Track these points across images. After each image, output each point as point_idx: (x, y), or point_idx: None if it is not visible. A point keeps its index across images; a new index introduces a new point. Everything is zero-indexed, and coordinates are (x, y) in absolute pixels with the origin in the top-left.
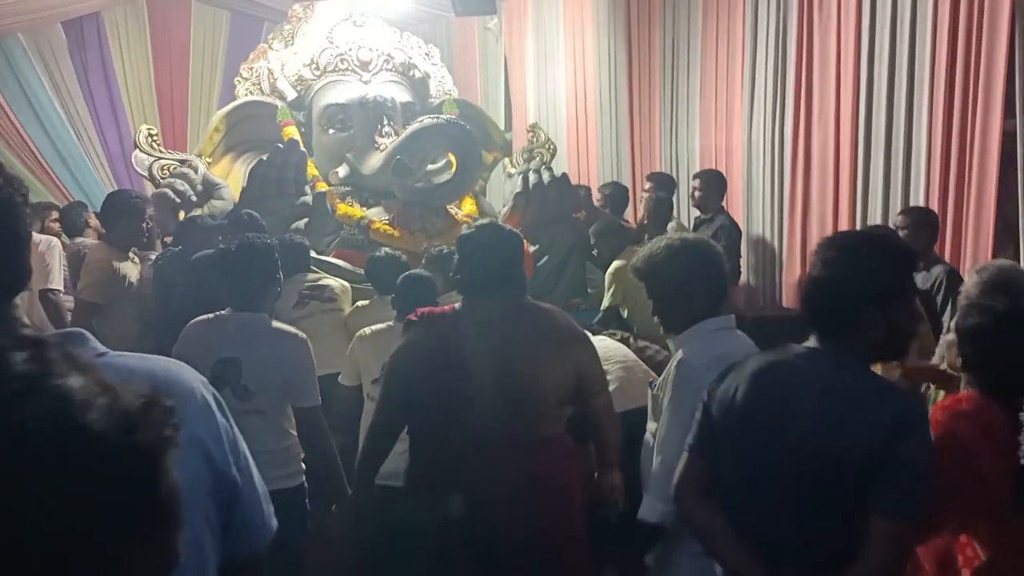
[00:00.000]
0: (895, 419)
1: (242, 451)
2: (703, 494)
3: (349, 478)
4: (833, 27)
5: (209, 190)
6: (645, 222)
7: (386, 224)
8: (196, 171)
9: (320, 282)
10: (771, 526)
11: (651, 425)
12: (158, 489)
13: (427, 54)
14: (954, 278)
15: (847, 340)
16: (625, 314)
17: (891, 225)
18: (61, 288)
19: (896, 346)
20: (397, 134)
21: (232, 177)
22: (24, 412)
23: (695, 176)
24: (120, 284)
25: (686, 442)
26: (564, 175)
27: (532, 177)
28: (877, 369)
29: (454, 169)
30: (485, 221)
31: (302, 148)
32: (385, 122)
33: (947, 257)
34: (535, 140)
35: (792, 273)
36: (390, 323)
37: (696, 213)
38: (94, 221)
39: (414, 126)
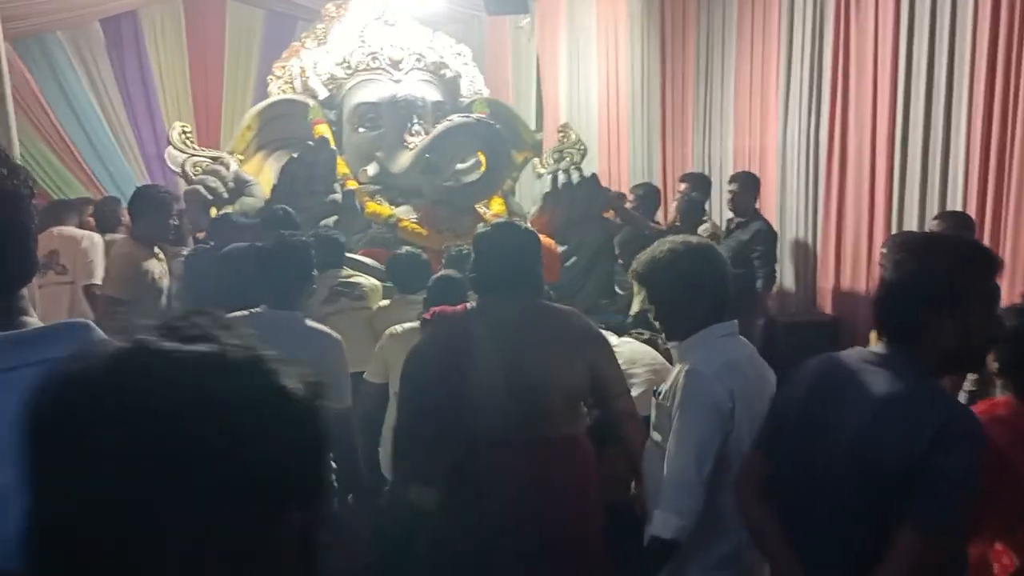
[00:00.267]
0: (937, 431)
1: None
2: (761, 492)
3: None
4: (870, 26)
5: (240, 187)
6: (677, 223)
7: (414, 222)
8: (228, 168)
9: (351, 279)
10: (812, 530)
11: (655, 435)
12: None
13: (458, 53)
14: None
15: (912, 346)
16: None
17: (926, 229)
18: None
19: (969, 355)
20: (427, 133)
21: (263, 174)
22: (242, 383)
23: (731, 179)
24: (144, 280)
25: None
26: (593, 175)
27: (561, 177)
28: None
29: (483, 168)
30: (502, 220)
31: (332, 146)
32: (415, 121)
33: None
34: (566, 140)
35: (826, 277)
36: (415, 324)
37: (729, 215)
38: (127, 217)
39: (443, 125)
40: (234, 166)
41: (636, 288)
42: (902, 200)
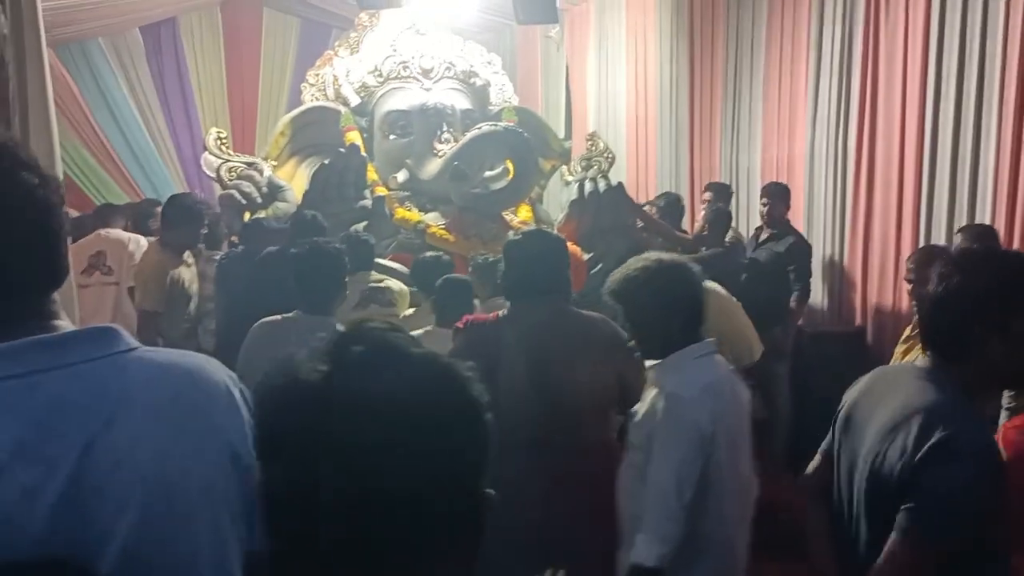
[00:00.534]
0: (937, 444)
1: None
2: (821, 492)
3: None
4: (900, 37)
5: (274, 192)
6: (704, 232)
7: (442, 229)
8: (262, 173)
9: (382, 284)
10: (842, 533)
11: (630, 455)
12: None
13: (488, 62)
14: None
15: (958, 362)
16: None
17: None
18: None
19: (1018, 372)
20: (456, 140)
21: (296, 180)
22: (442, 391)
23: (762, 192)
24: (176, 288)
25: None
26: (620, 184)
27: (588, 185)
28: None
29: (511, 176)
30: (533, 228)
31: (363, 153)
32: (444, 128)
33: None
34: (594, 148)
35: (853, 288)
36: (428, 328)
37: (752, 223)
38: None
39: (472, 133)
40: (268, 171)
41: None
42: (930, 211)
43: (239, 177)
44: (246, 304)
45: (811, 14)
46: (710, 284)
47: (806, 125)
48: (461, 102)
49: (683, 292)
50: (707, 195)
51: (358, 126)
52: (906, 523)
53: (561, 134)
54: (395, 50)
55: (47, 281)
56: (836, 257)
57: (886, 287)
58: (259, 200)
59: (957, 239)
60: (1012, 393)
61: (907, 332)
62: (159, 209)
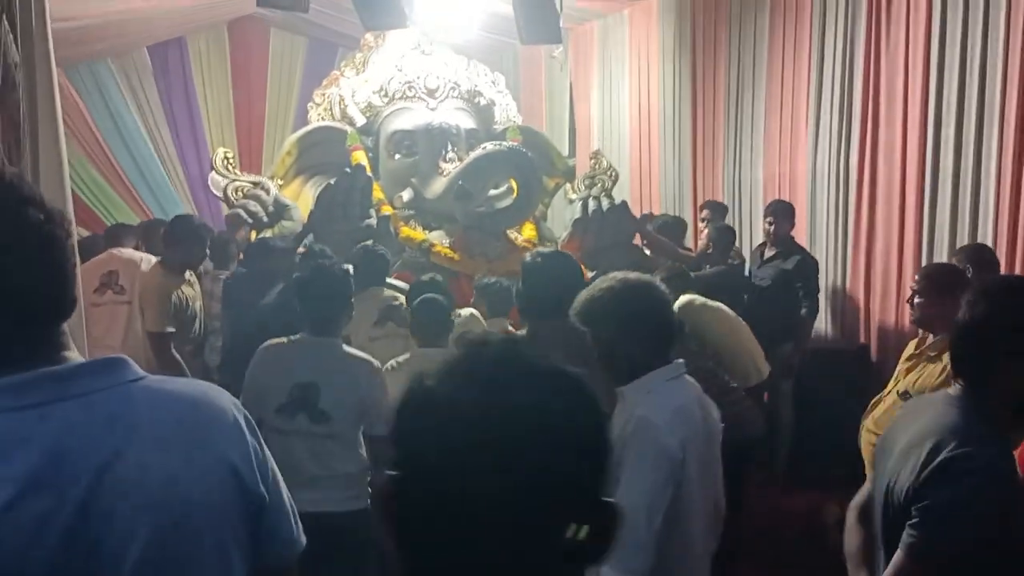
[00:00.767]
0: (941, 464)
1: (270, 469)
2: (862, 520)
3: None
4: (901, 56)
5: (280, 211)
6: (709, 251)
7: (447, 248)
8: (268, 193)
9: (397, 302)
10: (872, 561)
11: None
12: None
13: (493, 82)
14: None
15: (984, 388)
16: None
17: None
18: None
19: None
20: (461, 160)
21: (302, 199)
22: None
23: (767, 209)
24: (180, 307)
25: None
26: (623, 202)
27: (591, 204)
28: None
29: (515, 195)
30: (549, 249)
31: (368, 173)
32: (449, 148)
33: None
34: (597, 167)
35: (855, 305)
36: (407, 355)
37: (755, 240)
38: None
39: (477, 153)
40: (274, 191)
41: None
42: (932, 229)
43: (246, 196)
44: (252, 323)
45: (813, 32)
46: (714, 303)
47: (808, 143)
48: (466, 121)
49: (650, 313)
50: (705, 213)
51: (364, 146)
52: (908, 539)
53: (565, 152)
54: (400, 70)
55: (56, 314)
56: (838, 274)
57: (888, 304)
58: (265, 219)
59: (953, 261)
60: None
61: (910, 350)
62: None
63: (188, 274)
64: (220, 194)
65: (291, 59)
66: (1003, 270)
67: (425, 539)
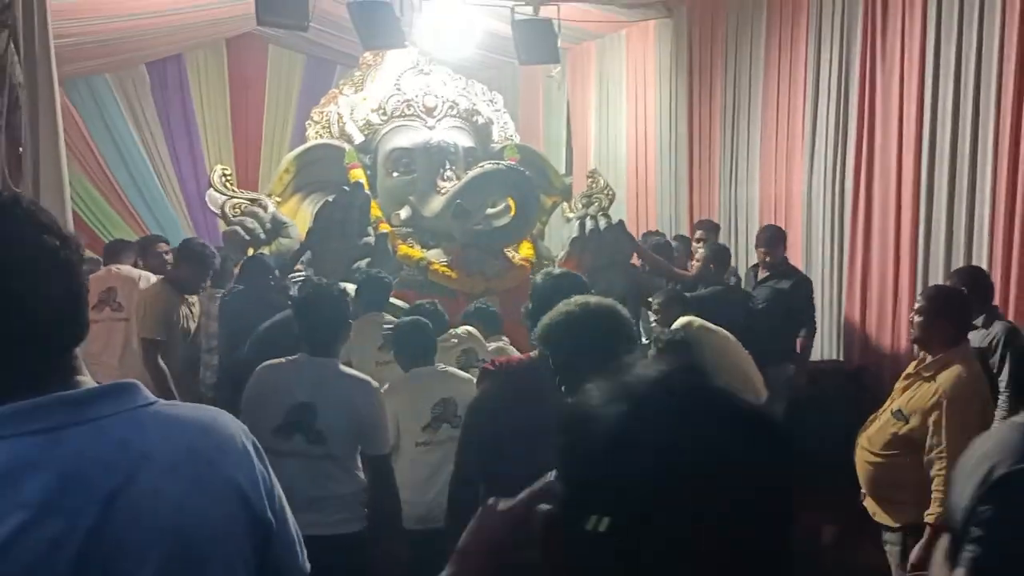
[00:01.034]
0: (996, 480)
1: (277, 496)
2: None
3: None
4: (896, 76)
5: (278, 228)
6: (712, 267)
7: (445, 266)
8: (265, 210)
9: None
10: None
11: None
12: None
13: (491, 100)
14: (1012, 336)
15: None
16: None
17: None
18: None
19: None
20: (459, 178)
21: (300, 216)
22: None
23: (758, 239)
24: (172, 322)
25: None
26: (620, 221)
27: (589, 223)
28: None
29: (513, 213)
30: (558, 270)
31: (366, 191)
32: (447, 166)
33: (1011, 314)
34: (594, 185)
35: (852, 325)
36: (403, 377)
37: (750, 260)
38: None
39: (475, 171)
40: (271, 208)
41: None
42: (928, 249)
43: (243, 213)
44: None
45: (808, 53)
46: (713, 326)
47: (804, 163)
48: (464, 140)
49: (608, 338)
50: (699, 234)
51: (362, 163)
52: (967, 555)
53: (562, 170)
54: (399, 88)
55: (70, 339)
56: (834, 294)
57: (884, 324)
58: (263, 236)
59: (950, 281)
60: None
61: (910, 369)
62: (161, 244)
63: (193, 297)
64: (218, 211)
65: (289, 76)
66: (997, 292)
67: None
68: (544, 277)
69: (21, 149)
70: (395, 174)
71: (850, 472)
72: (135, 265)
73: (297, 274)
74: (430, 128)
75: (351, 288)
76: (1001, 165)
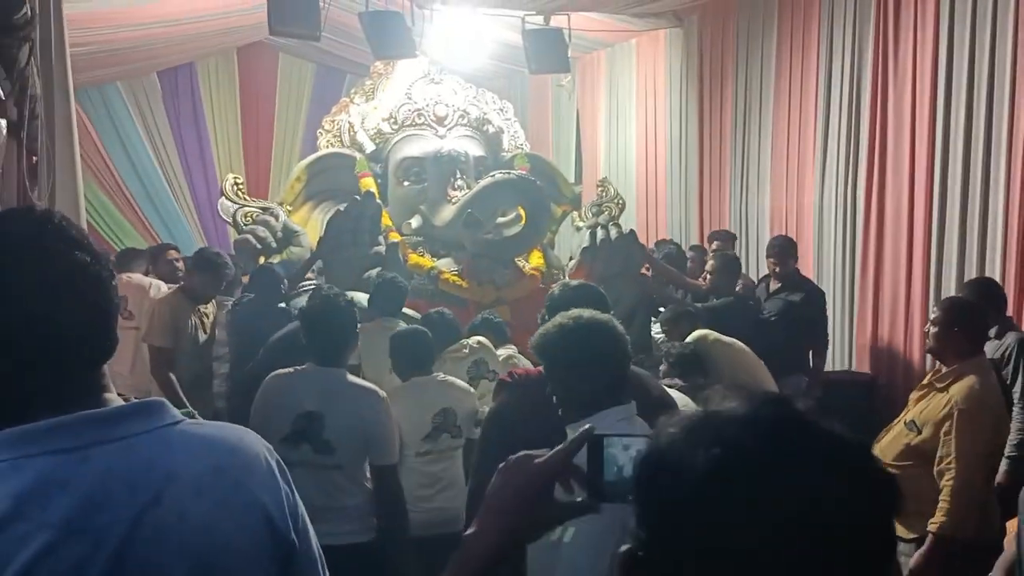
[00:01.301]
0: None
1: (301, 515)
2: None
3: None
4: (908, 85)
5: (289, 237)
6: (721, 278)
7: (455, 275)
8: (277, 218)
9: None
10: None
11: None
12: None
13: (501, 109)
14: None
15: None
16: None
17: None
18: None
19: None
20: (469, 187)
21: (311, 224)
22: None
23: (768, 249)
24: (184, 331)
25: None
26: (632, 231)
27: (600, 232)
28: None
29: (523, 222)
30: (575, 282)
31: (377, 200)
32: (458, 175)
33: None
34: (604, 194)
35: (863, 336)
36: (402, 385)
37: (761, 270)
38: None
39: (486, 181)
40: (283, 216)
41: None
42: (940, 260)
43: (254, 222)
44: (256, 351)
45: (820, 62)
46: (727, 339)
47: (815, 173)
48: (474, 149)
49: (601, 353)
50: (715, 244)
51: (373, 172)
52: None
53: (571, 179)
54: (410, 98)
55: (100, 356)
56: (846, 305)
57: (896, 335)
58: (274, 245)
59: (962, 294)
60: None
61: (927, 380)
62: (172, 252)
63: (208, 306)
64: (229, 219)
65: (299, 85)
66: (1011, 304)
67: None
68: (561, 288)
69: (35, 159)
70: (406, 183)
71: None
72: (146, 273)
73: (307, 283)
74: (441, 137)
75: (362, 297)
76: (1015, 176)
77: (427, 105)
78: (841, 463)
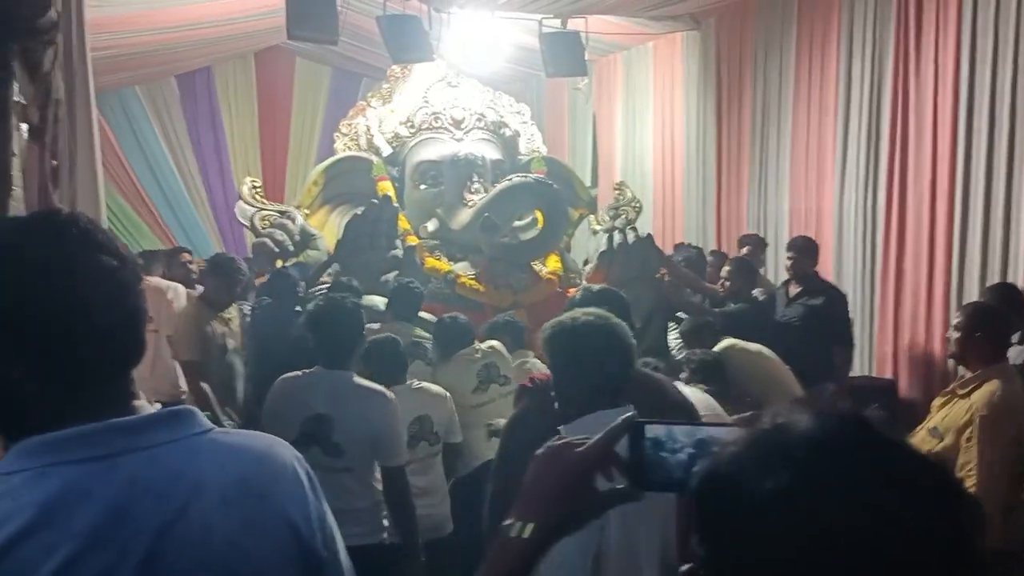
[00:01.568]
0: None
1: (329, 527)
2: None
3: None
4: (930, 89)
5: (306, 240)
6: (736, 285)
7: (472, 279)
8: (294, 222)
9: (424, 341)
10: None
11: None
12: None
13: (518, 112)
14: None
15: None
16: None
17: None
18: None
19: None
20: (486, 191)
21: (328, 228)
22: None
23: (788, 245)
24: (210, 340)
25: None
26: (649, 235)
27: (617, 236)
28: None
29: (541, 226)
30: (597, 286)
31: (395, 204)
32: (475, 179)
33: None
34: (621, 198)
35: (885, 341)
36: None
37: (780, 276)
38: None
39: (503, 184)
40: (300, 220)
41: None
42: (962, 266)
43: (272, 225)
44: (275, 355)
45: (839, 63)
46: (755, 347)
47: (835, 176)
48: (491, 152)
49: (596, 353)
50: (745, 250)
51: (390, 176)
52: None
53: (588, 183)
54: (427, 101)
55: (126, 362)
56: (866, 310)
57: (917, 340)
58: (291, 248)
59: (983, 298)
60: None
61: (951, 386)
62: (184, 255)
63: (227, 312)
64: (247, 223)
65: (316, 88)
66: None
67: None
68: (583, 292)
69: (55, 162)
70: (423, 186)
71: None
72: (164, 276)
73: (323, 286)
74: (458, 140)
75: (379, 300)
76: None
77: (444, 108)
78: (923, 486)
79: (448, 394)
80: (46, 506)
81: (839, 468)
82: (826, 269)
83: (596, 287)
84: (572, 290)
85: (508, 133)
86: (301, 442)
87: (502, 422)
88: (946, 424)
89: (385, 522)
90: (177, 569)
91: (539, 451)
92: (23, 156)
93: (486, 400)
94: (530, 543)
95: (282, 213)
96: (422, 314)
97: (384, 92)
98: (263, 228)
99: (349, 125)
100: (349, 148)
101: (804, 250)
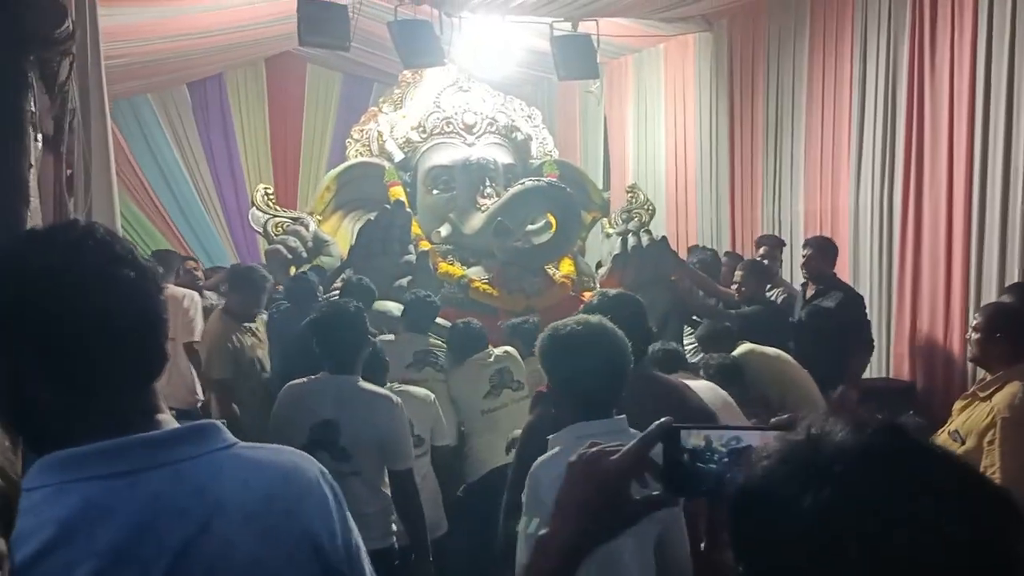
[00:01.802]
0: None
1: (354, 544)
2: None
3: None
4: (945, 88)
5: (319, 246)
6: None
7: (485, 283)
8: (307, 228)
9: (436, 349)
10: None
11: (525, 522)
12: None
13: (529, 116)
14: None
15: None
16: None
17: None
18: None
19: None
20: (498, 195)
21: (340, 234)
22: None
23: (806, 241)
24: (240, 354)
25: None
26: (663, 238)
27: (631, 240)
28: None
29: (554, 230)
30: (613, 291)
31: (407, 209)
32: (487, 183)
33: None
34: (634, 201)
35: (902, 342)
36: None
37: (795, 278)
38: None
39: (515, 188)
40: (313, 226)
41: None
42: (980, 266)
43: (285, 232)
44: (296, 361)
45: (853, 63)
46: (773, 351)
47: (850, 176)
48: (503, 157)
49: (602, 361)
50: (762, 251)
51: (402, 181)
52: None
53: (600, 185)
54: (438, 106)
55: (148, 376)
56: (883, 311)
57: (935, 342)
58: (305, 254)
59: (1003, 299)
60: None
61: (971, 389)
62: (190, 262)
63: (253, 324)
64: (260, 229)
65: (327, 94)
66: None
67: None
68: (599, 297)
69: (70, 171)
70: (435, 191)
71: None
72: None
73: (337, 291)
74: (469, 145)
75: (393, 306)
76: None
77: (455, 113)
78: (968, 497)
79: (433, 397)
80: (67, 523)
81: (879, 481)
82: (842, 270)
83: (612, 291)
84: (586, 294)
85: (520, 137)
86: (309, 448)
87: (519, 432)
88: (967, 427)
89: (395, 526)
90: None
91: (572, 459)
92: (38, 166)
93: (498, 405)
94: (567, 551)
95: (295, 219)
96: (441, 321)
97: (395, 97)
98: (276, 235)
99: (361, 131)
100: (361, 154)
101: (821, 248)
